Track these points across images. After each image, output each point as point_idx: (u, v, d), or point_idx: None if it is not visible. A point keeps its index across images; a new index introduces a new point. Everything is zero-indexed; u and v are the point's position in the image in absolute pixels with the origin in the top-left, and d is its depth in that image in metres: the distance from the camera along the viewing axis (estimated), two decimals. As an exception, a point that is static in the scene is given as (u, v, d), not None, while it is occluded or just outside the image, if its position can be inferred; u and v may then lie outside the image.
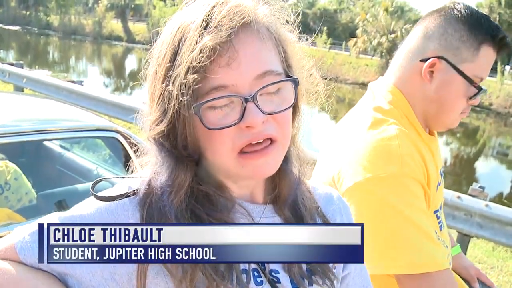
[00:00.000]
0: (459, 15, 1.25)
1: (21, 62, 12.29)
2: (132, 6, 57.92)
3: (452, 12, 1.27)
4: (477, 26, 1.24)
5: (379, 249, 1.12)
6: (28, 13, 55.54)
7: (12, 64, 10.80)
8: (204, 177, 0.76)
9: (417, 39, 1.31)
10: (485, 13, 1.35)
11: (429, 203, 1.27)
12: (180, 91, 0.68)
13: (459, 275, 1.60)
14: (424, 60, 1.27)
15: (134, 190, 0.75)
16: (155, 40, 0.76)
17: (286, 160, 0.82)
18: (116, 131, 2.81)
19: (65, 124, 2.71)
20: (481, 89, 1.26)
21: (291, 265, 0.79)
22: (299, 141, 0.85)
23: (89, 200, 0.77)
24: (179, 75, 0.68)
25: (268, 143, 0.72)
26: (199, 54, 0.67)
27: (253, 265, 0.76)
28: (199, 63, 0.66)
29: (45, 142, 3.58)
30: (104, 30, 50.62)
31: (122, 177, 0.80)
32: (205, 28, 0.68)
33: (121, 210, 0.74)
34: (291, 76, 0.75)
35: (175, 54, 0.70)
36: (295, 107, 0.79)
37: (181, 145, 0.73)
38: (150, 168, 0.76)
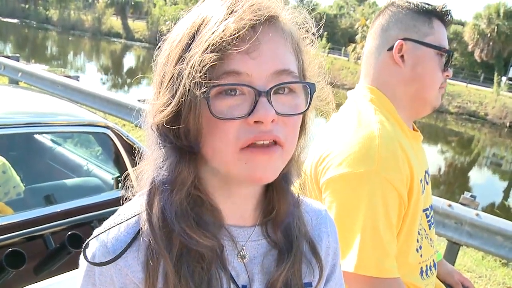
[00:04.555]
0: (402, 5, 1.40)
1: (17, 55, 12.24)
2: (132, 3, 57.81)
3: (394, 4, 1.42)
4: (421, 6, 1.39)
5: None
6: (27, 6, 55.37)
7: (8, 57, 10.74)
8: (201, 184, 0.74)
9: (376, 37, 1.43)
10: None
11: (410, 202, 1.28)
12: (193, 68, 0.65)
13: (443, 281, 1.60)
14: (391, 48, 1.38)
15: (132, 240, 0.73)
16: (164, 35, 0.75)
17: (287, 179, 0.79)
18: (107, 127, 2.78)
19: (55, 118, 2.67)
20: (450, 52, 1.38)
21: (274, 285, 0.78)
22: (303, 161, 0.81)
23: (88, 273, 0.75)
24: (196, 54, 0.65)
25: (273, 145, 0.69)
26: (222, 32, 0.64)
27: None
28: (219, 42, 0.64)
29: (35, 136, 3.56)
30: (103, 26, 50.53)
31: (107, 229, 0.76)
32: (230, 14, 0.66)
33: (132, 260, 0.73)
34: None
35: (193, 36, 0.68)
36: (302, 123, 0.76)
37: (183, 131, 0.69)
38: (152, 166, 0.73)
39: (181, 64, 0.67)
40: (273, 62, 0.67)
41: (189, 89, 0.66)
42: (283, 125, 0.68)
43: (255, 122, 0.66)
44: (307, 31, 0.76)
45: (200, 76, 0.64)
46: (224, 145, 0.67)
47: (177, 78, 0.68)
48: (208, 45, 0.64)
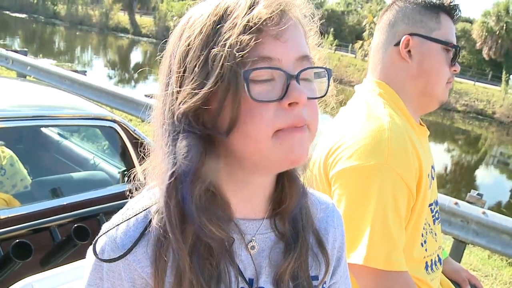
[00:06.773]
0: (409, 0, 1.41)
1: (25, 49, 12.31)
2: (140, -2, 57.89)
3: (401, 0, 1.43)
4: (428, 1, 1.39)
5: (347, 235, 1.16)
6: (35, 1, 55.57)
7: (16, 51, 10.80)
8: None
9: (384, 32, 1.43)
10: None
11: (418, 195, 1.28)
12: (231, 50, 0.64)
13: (450, 279, 1.60)
14: (398, 44, 1.38)
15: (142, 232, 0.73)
16: (173, 29, 0.74)
17: (297, 168, 0.79)
18: (114, 121, 2.79)
19: (62, 111, 2.69)
20: (457, 47, 1.38)
21: (281, 282, 0.78)
22: (310, 154, 0.82)
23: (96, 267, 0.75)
24: (231, 37, 0.64)
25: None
26: (256, 15, 0.65)
27: (241, 284, 0.75)
28: (256, 23, 0.64)
29: (42, 130, 3.58)
30: (111, 21, 50.63)
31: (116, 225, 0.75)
32: (256, 3, 0.67)
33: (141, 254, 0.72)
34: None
35: (219, 21, 0.67)
36: None
37: (212, 119, 0.68)
38: (167, 159, 0.70)
39: (213, 48, 0.66)
40: (298, 48, 0.69)
41: (225, 73, 0.65)
42: (309, 109, 0.70)
43: (289, 104, 0.66)
44: (313, 23, 0.77)
45: (240, 58, 0.64)
46: (260, 130, 0.66)
47: (212, 61, 0.66)
48: (245, 26, 0.65)
